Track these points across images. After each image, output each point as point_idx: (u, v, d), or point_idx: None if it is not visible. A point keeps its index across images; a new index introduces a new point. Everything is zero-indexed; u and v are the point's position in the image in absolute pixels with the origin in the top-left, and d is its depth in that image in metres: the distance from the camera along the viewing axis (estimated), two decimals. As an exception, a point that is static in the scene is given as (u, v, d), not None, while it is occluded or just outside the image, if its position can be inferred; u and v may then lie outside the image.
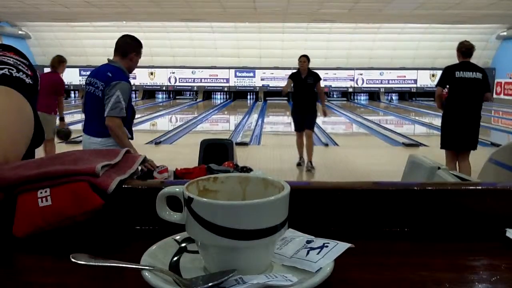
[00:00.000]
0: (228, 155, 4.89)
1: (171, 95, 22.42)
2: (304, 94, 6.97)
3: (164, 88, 22.28)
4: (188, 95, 22.49)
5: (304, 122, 7.02)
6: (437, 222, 0.74)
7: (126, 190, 0.72)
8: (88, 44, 21.24)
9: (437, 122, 14.11)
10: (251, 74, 21.92)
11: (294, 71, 7.15)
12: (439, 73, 21.47)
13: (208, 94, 22.31)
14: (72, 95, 22.56)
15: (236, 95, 22.06)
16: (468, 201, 0.75)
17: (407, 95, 22.10)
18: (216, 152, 4.98)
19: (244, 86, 22.06)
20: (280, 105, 20.12)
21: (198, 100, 21.62)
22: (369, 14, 16.63)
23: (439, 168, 3.10)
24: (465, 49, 5.46)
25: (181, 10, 15.98)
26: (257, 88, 21.97)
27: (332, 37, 20.72)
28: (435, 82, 21.73)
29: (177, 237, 0.58)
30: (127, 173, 0.73)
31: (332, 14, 16.53)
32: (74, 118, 14.49)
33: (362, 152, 8.47)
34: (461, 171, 5.23)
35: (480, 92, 5.38)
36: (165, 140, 9.46)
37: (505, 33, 19.95)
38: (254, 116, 14.87)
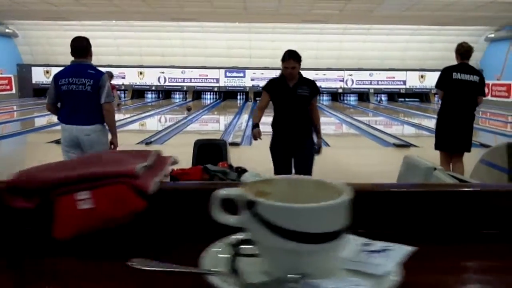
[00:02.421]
0: (222, 156, 4.86)
1: (160, 95, 22.31)
2: (293, 114, 4.30)
3: (153, 88, 22.16)
4: (178, 95, 22.40)
5: (294, 164, 4.49)
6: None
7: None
8: (76, 43, 21.03)
9: (426, 123, 14.28)
10: (241, 74, 21.90)
11: (275, 76, 4.71)
12: (428, 74, 21.68)
13: (198, 94, 22.24)
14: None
15: (226, 95, 22.02)
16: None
17: (396, 96, 22.26)
18: (210, 152, 4.95)
19: (234, 86, 22.03)
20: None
21: (187, 100, 21.54)
22: (360, 15, 16.71)
23: (435, 169, 3.11)
24: (463, 50, 5.48)
25: (172, 10, 15.91)
26: (247, 88, 21.96)
27: (322, 37, 20.78)
28: (424, 83, 21.79)
29: (229, 240, 0.56)
30: (161, 174, 0.71)
31: (322, 15, 16.58)
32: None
33: (353, 152, 8.48)
34: (454, 172, 5.27)
35: (475, 95, 5.38)
36: (155, 140, 9.40)
37: (493, 35, 20.18)
38: (245, 116, 14.85)
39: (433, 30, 19.88)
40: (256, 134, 4.54)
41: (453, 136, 5.34)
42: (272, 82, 4.61)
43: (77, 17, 18.30)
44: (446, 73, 5.46)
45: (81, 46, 4.38)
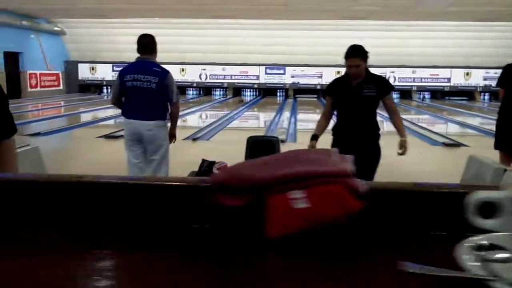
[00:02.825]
0: (275, 152, 4.86)
1: (201, 92, 22.54)
2: (356, 118, 3.81)
3: (194, 85, 22.41)
4: (218, 92, 22.57)
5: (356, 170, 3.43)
6: None
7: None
8: (121, 41, 21.50)
9: (472, 121, 13.87)
10: (281, 71, 21.85)
11: (337, 76, 4.38)
12: (473, 71, 21.02)
13: (237, 90, 22.35)
14: (105, 90, 22.90)
15: (266, 92, 22.04)
16: None
17: (439, 94, 21.70)
18: (262, 149, 4.97)
19: (274, 83, 22.01)
20: (310, 102, 20.02)
21: (228, 97, 21.69)
22: (401, 12, 16.37)
23: (505, 169, 3.02)
24: None
25: (212, 7, 16.03)
26: (287, 85, 21.89)
27: (363, 34, 20.45)
28: (469, 81, 21.14)
29: (472, 244, 0.56)
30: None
31: (364, 11, 16.34)
32: (106, 113, 14.74)
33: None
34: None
35: None
36: (201, 136, 9.51)
37: (544, 31, 19.36)
38: (286, 113, 14.83)
39: (479, 26, 19.25)
40: (309, 147, 3.78)
41: None
42: (334, 83, 4.03)
43: (120, 14, 18.70)
44: (507, 70, 5.23)
45: (147, 43, 4.46)
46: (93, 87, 22.71)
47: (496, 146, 5.36)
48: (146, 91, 4.34)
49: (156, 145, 4.45)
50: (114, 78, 20.22)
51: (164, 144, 4.54)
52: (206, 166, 3.15)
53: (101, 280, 0.68)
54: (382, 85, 3.84)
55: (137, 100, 4.39)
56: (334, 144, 3.88)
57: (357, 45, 3.82)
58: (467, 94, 21.64)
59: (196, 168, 4.27)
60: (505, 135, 5.24)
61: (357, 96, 3.76)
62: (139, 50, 4.47)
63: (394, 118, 3.95)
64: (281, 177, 0.63)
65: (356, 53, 3.72)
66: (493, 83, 21.53)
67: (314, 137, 3.90)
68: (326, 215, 0.61)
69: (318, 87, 21.80)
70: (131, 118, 4.43)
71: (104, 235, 0.93)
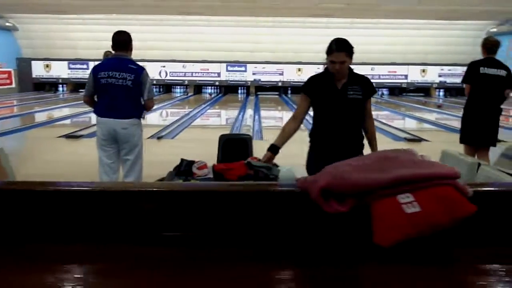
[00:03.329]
0: (248, 150, 4.82)
1: (161, 89, 22.19)
2: (340, 124, 3.33)
3: (154, 82, 22.02)
4: (179, 89, 22.31)
5: None
6: None
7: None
8: (77, 37, 20.85)
9: (429, 116, 14.30)
10: (243, 68, 21.81)
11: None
12: (429, 68, 21.71)
13: (198, 88, 22.16)
14: (60, 88, 22.15)
15: (227, 89, 21.95)
16: None
17: (397, 91, 22.27)
18: (235, 148, 4.91)
19: (236, 81, 21.95)
20: (271, 99, 20.08)
21: (189, 95, 21.45)
22: (367, 10, 16.64)
23: (479, 164, 3.08)
24: (490, 45, 5.43)
25: (180, 3, 15.76)
26: (248, 82, 21.89)
27: (327, 32, 20.68)
28: (425, 78, 21.85)
29: None
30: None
31: (330, 8, 16.49)
32: (63, 112, 14.26)
33: (365, 147, 8.45)
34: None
35: (502, 89, 5.36)
36: (166, 135, 9.35)
37: (495, 30, 20.17)
38: (249, 111, 14.80)
39: (436, 24, 19.87)
40: (265, 158, 3.25)
41: (479, 130, 5.33)
42: (313, 81, 3.45)
43: (78, 10, 18.11)
44: (473, 67, 5.41)
45: (122, 40, 4.37)
46: (48, 86, 21.91)
47: (462, 140, 5.54)
48: (121, 88, 4.24)
49: (131, 144, 4.33)
50: (70, 76, 19.75)
51: (139, 144, 4.43)
52: (186, 166, 3.08)
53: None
54: (367, 87, 3.38)
55: (112, 97, 4.28)
56: (311, 154, 3.44)
57: (342, 38, 3.30)
58: (424, 90, 22.32)
59: (164, 168, 4.18)
60: (471, 130, 5.42)
61: (342, 99, 3.28)
62: (114, 47, 4.37)
63: (369, 123, 3.46)
64: (389, 181, 0.58)
65: (342, 47, 3.21)
66: (448, 80, 22.43)
67: (273, 149, 3.27)
68: (437, 218, 0.57)
69: (280, 84, 21.91)
70: (105, 117, 4.30)
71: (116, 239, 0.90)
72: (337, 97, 3.31)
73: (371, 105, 3.50)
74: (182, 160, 3.24)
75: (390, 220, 0.57)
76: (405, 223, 0.57)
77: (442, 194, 0.59)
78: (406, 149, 0.74)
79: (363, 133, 3.45)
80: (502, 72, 5.33)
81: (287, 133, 3.38)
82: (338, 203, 0.59)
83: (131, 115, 4.32)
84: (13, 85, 21.07)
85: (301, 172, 3.31)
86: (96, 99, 4.47)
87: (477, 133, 5.35)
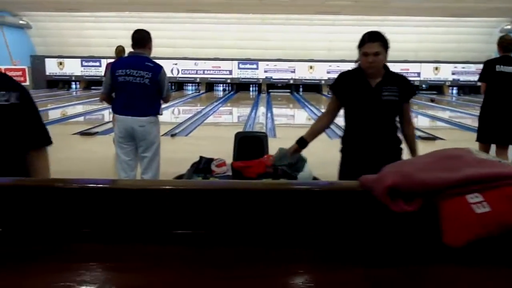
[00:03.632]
0: (263, 148, 4.83)
1: (173, 87, 22.26)
2: (374, 128, 2.98)
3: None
4: (191, 87, 22.37)
5: None
6: None
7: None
8: (90, 35, 20.99)
9: (442, 114, 14.18)
10: (254, 66, 21.81)
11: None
12: (442, 66, 21.54)
13: (210, 85, 22.19)
14: (74, 86, 22.33)
15: (239, 87, 21.96)
16: None
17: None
18: (250, 145, 4.92)
19: (247, 78, 21.96)
20: (283, 97, 20.07)
21: (201, 92, 21.51)
22: (375, 6, 16.57)
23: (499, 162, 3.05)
24: (506, 43, 5.40)
25: (187, 1, 15.83)
26: (260, 80, 21.88)
27: (335, 29, 20.63)
28: (438, 75, 21.71)
29: None
30: None
31: (337, 6, 16.44)
32: (76, 110, 14.39)
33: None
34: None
35: None
36: (179, 132, 9.39)
37: (508, 27, 19.96)
38: (261, 108, 14.80)
39: (448, 21, 19.70)
40: (292, 149, 3.00)
41: (498, 128, 5.31)
42: (343, 78, 3.09)
43: (90, 8, 18.24)
44: (489, 66, 5.41)
45: (140, 38, 4.39)
46: (61, 83, 22.10)
47: (479, 139, 5.52)
48: (139, 86, 4.25)
49: (149, 142, 4.37)
50: (83, 73, 19.88)
51: (156, 142, 4.46)
52: (205, 163, 3.09)
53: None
54: (405, 88, 3.00)
55: (129, 95, 4.30)
56: (344, 161, 3.11)
57: (376, 30, 3.02)
58: (437, 88, 22.14)
59: (179, 165, 4.21)
60: (488, 128, 5.41)
61: (375, 100, 2.92)
62: (133, 44, 4.39)
63: (408, 129, 3.06)
64: (459, 180, 0.58)
65: (375, 37, 2.91)
66: (461, 78, 22.22)
67: (301, 142, 3.02)
68: (507, 219, 0.57)
69: (291, 81, 21.89)
70: (122, 114, 4.33)
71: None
72: (370, 98, 2.93)
73: (410, 109, 3.10)
74: (201, 157, 3.26)
75: (460, 220, 0.57)
76: (476, 223, 0.57)
77: (511, 194, 0.59)
78: (464, 147, 0.74)
79: (402, 138, 3.08)
80: None
81: (315, 130, 3.13)
82: (405, 202, 0.59)
83: (148, 113, 4.35)
84: (27, 83, 21.26)
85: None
86: (113, 96, 4.51)
87: (495, 131, 5.34)
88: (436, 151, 0.69)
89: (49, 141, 2.13)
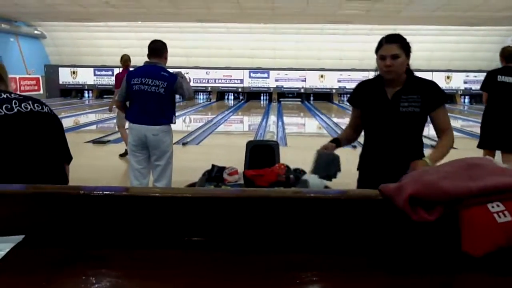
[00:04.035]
0: (275, 157, 4.84)
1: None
2: (392, 142, 2.63)
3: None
4: (202, 96, 22.51)
5: None
6: None
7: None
8: (103, 44, 21.25)
9: (454, 123, 14.06)
10: (265, 75, 21.89)
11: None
12: (454, 75, 21.45)
13: (221, 94, 22.31)
14: (86, 95, 22.57)
15: (250, 96, 22.05)
16: None
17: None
18: (262, 154, 4.93)
19: (258, 87, 22.04)
20: (294, 106, 20.09)
21: (212, 101, 21.62)
22: (387, 16, 16.55)
23: None
24: (508, 54, 5.59)
25: (199, 11, 15.96)
26: (271, 89, 21.95)
27: (347, 38, 20.66)
28: (450, 84, 21.61)
29: None
30: None
31: (348, 15, 16.47)
32: (89, 118, 14.53)
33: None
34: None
35: None
36: (190, 141, 9.44)
37: (521, 35, 19.84)
38: (272, 117, 14.83)
39: (459, 30, 19.62)
40: (326, 146, 2.67)
41: (498, 135, 5.54)
42: (360, 89, 2.78)
43: (104, 18, 18.48)
44: (491, 76, 5.61)
45: (156, 48, 4.46)
46: (74, 92, 22.38)
47: (480, 145, 5.78)
48: (153, 95, 4.30)
49: (162, 150, 4.41)
50: (96, 82, 20.12)
51: (169, 150, 4.50)
52: (217, 172, 3.11)
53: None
54: (430, 95, 2.56)
55: (144, 104, 4.35)
56: (361, 179, 2.80)
57: (395, 33, 2.68)
58: (449, 97, 22.01)
59: (191, 174, 4.23)
60: (490, 135, 5.66)
61: (391, 112, 2.56)
62: (149, 54, 4.46)
63: (441, 138, 2.59)
64: (481, 189, 0.59)
65: (393, 39, 2.58)
66: (473, 86, 22.11)
67: (336, 141, 2.73)
68: None
69: (302, 90, 21.92)
70: (136, 123, 4.38)
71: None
72: (386, 110, 2.57)
73: (445, 117, 2.60)
74: (213, 166, 3.28)
75: (481, 229, 0.57)
76: (497, 233, 0.57)
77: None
78: (483, 157, 0.74)
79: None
80: None
81: (345, 137, 2.86)
82: (425, 211, 0.59)
83: (162, 121, 4.38)
84: (41, 92, 21.55)
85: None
86: (128, 105, 4.56)
87: (498, 139, 5.56)
88: (456, 160, 0.69)
89: (70, 158, 2.23)
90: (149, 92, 4.29)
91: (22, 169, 1.84)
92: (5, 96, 1.94)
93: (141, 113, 4.35)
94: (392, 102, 2.56)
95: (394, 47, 2.54)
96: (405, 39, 2.62)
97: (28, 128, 1.91)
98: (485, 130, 5.73)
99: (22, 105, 1.94)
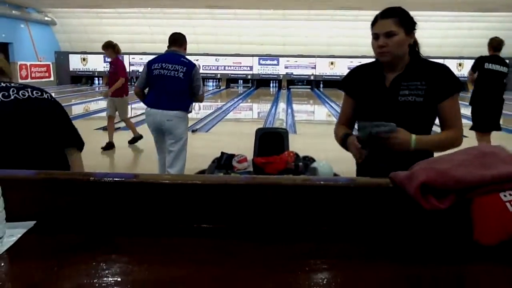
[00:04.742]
0: (284, 144, 4.83)
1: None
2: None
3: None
4: (211, 83, 22.49)
5: None
6: None
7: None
8: (112, 31, 21.22)
9: (465, 111, 13.89)
10: (275, 62, 21.79)
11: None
12: (466, 62, 21.24)
13: (231, 81, 22.28)
14: (96, 81, 22.65)
15: (259, 83, 21.99)
16: None
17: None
18: (271, 141, 4.92)
19: (268, 74, 21.96)
20: (303, 93, 20.01)
21: (221, 88, 21.60)
22: (397, 2, 16.31)
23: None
24: (496, 44, 6.28)
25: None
26: (281, 76, 21.86)
27: (357, 25, 20.44)
28: (462, 72, 21.49)
29: None
30: None
31: (359, 1, 16.28)
32: (99, 105, 14.58)
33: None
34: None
35: (503, 83, 6.18)
36: (200, 128, 9.45)
37: (536, 21, 19.50)
38: (281, 104, 14.79)
39: (472, 16, 19.34)
40: (354, 148, 2.06)
41: (488, 117, 6.10)
42: (354, 74, 2.29)
43: (112, 4, 18.45)
44: (480, 61, 6.24)
45: (177, 37, 4.60)
46: (84, 78, 22.47)
47: (474, 128, 6.23)
48: (173, 80, 4.40)
49: (175, 136, 4.49)
50: (106, 69, 20.14)
51: (184, 137, 4.58)
52: (226, 159, 3.12)
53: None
54: (438, 82, 2.06)
55: (162, 88, 4.45)
56: (359, 175, 2.29)
57: (394, 6, 2.16)
58: (462, 85, 21.78)
59: (201, 161, 4.25)
60: (480, 118, 6.17)
61: (389, 101, 2.09)
62: (169, 44, 4.58)
63: (443, 133, 2.09)
64: (495, 177, 0.58)
65: (389, 13, 2.08)
66: (485, 74, 21.77)
67: (347, 136, 2.11)
68: None
69: (312, 77, 21.81)
70: (153, 108, 4.48)
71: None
72: (382, 99, 2.11)
73: (453, 111, 2.08)
74: (223, 153, 3.28)
75: (493, 218, 0.57)
76: (509, 222, 0.56)
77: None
78: (496, 145, 0.73)
79: None
80: (504, 69, 6.14)
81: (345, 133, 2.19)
82: (437, 199, 0.58)
83: (177, 107, 4.47)
84: (52, 78, 21.67)
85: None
86: (146, 92, 4.66)
87: (486, 121, 6.14)
88: (469, 148, 0.68)
89: (81, 143, 2.22)
90: (169, 77, 4.39)
91: (19, 155, 1.86)
92: (4, 85, 1.97)
93: (158, 97, 4.46)
94: (390, 90, 2.09)
95: (388, 23, 2.04)
96: (405, 12, 2.11)
97: (25, 114, 1.92)
98: (477, 114, 6.25)
99: (20, 92, 1.96)
